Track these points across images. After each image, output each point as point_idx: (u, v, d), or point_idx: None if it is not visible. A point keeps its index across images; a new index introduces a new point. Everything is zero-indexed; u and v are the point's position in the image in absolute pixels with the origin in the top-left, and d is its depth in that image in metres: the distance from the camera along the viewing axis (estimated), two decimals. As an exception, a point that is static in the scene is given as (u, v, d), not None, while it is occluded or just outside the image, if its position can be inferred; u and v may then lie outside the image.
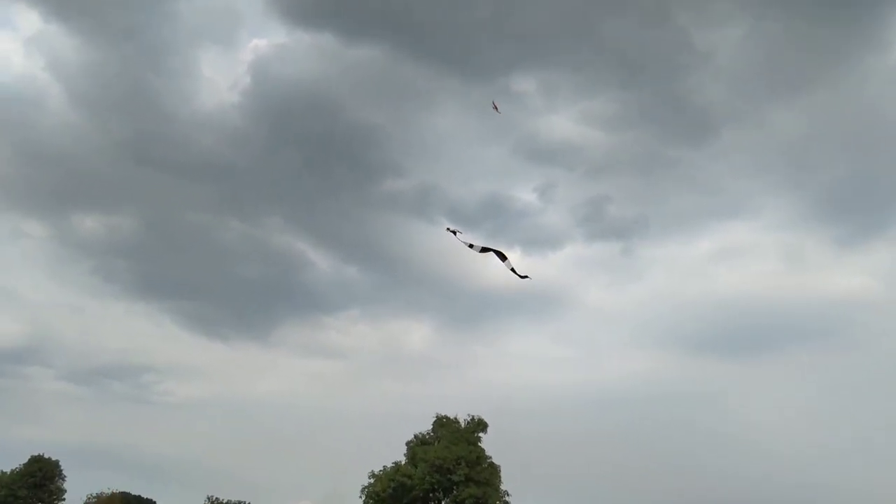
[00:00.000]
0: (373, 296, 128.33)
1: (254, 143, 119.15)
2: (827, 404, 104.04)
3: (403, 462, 59.55)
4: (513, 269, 28.34)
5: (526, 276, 28.55)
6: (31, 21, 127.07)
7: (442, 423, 60.54)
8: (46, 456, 70.33)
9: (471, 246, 28.56)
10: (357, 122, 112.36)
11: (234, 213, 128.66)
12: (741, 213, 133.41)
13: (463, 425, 60.18)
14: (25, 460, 69.31)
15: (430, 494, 57.15)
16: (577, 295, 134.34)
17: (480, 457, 58.29)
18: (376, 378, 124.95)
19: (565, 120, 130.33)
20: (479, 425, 59.84)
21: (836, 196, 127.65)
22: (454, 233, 28.48)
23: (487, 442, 60.11)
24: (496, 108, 41.86)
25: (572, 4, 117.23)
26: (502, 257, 28.30)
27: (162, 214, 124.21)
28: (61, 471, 70.51)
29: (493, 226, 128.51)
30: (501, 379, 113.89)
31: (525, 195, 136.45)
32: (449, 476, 56.05)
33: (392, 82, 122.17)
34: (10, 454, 78.16)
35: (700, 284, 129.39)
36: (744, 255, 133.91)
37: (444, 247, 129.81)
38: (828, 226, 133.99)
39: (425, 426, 61.36)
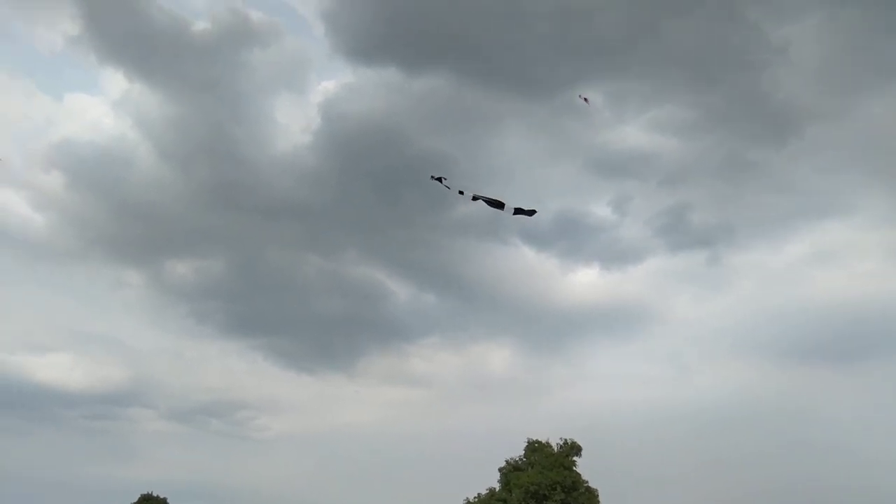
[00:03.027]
0: (452, 321, 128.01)
1: (327, 180, 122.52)
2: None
3: (497, 489, 58.76)
4: (517, 210, 27.50)
5: (533, 211, 27.60)
6: (118, 82, 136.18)
7: (534, 447, 59.39)
8: (155, 494, 73.43)
9: (461, 192, 27.67)
10: (425, 151, 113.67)
11: (313, 248, 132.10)
12: (834, 212, 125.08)
13: (556, 449, 58.89)
14: (135, 499, 72.46)
15: (527, 522, 55.92)
16: (662, 308, 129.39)
17: (577, 481, 56.66)
18: (461, 404, 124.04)
19: (636, 129, 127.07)
20: (573, 449, 58.32)
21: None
22: (440, 180, 27.90)
23: (582, 466, 58.67)
24: (585, 99, 41.46)
25: (634, 10, 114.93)
26: (500, 206, 27.54)
27: (246, 256, 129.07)
28: (170, 508, 73.28)
29: (569, 243, 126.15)
30: (590, 400, 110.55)
31: (599, 210, 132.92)
32: (544, 502, 54.78)
33: (457, 109, 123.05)
34: (121, 494, 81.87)
35: (795, 290, 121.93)
36: (842, 255, 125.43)
37: (519, 267, 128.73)
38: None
39: (516, 451, 60.59)
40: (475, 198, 27.78)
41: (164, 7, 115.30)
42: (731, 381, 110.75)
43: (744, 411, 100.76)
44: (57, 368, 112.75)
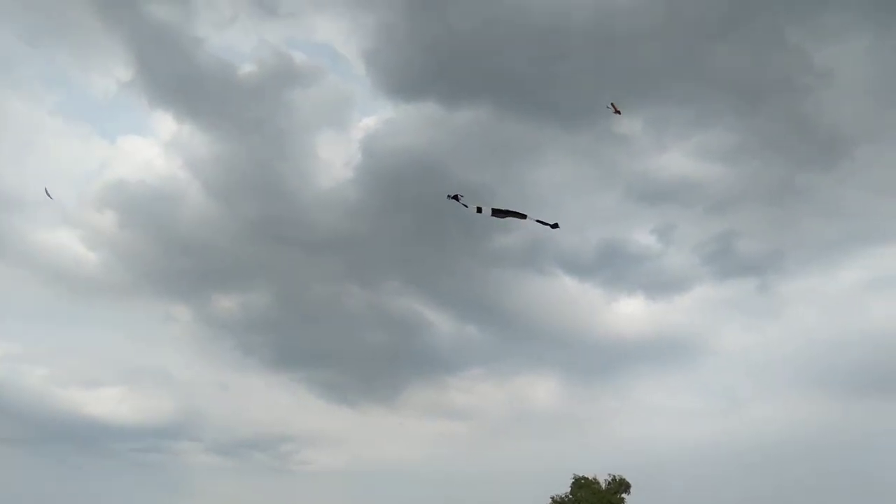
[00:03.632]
0: (494, 353, 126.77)
1: (369, 213, 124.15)
2: None
3: (544, 527, 57.51)
4: (539, 221, 26.75)
5: (555, 225, 26.77)
6: (168, 124, 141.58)
7: (581, 483, 58.01)
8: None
9: (479, 210, 26.91)
10: (465, 183, 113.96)
11: (355, 281, 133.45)
12: (890, 236, 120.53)
13: (603, 486, 57.39)
14: (182, 533, 73.47)
15: (576, 562, 54.37)
16: (711, 338, 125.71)
17: (626, 519, 55.21)
18: (505, 437, 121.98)
19: (679, 156, 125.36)
20: (622, 485, 56.76)
21: None
22: (456, 198, 27.22)
23: (632, 503, 57.03)
24: (613, 106, 39.95)
25: (674, 36, 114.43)
26: (521, 216, 26.80)
27: (290, 289, 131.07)
28: (214, 542, 73.89)
29: (612, 272, 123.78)
30: (638, 434, 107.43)
31: (642, 238, 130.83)
32: (593, 541, 53.33)
33: (496, 140, 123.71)
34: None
35: (851, 318, 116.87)
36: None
37: (561, 298, 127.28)
38: None
39: (562, 487, 59.39)
40: (494, 212, 27.28)
41: (211, 52, 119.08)
42: (786, 414, 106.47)
43: (801, 445, 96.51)
44: (108, 402, 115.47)
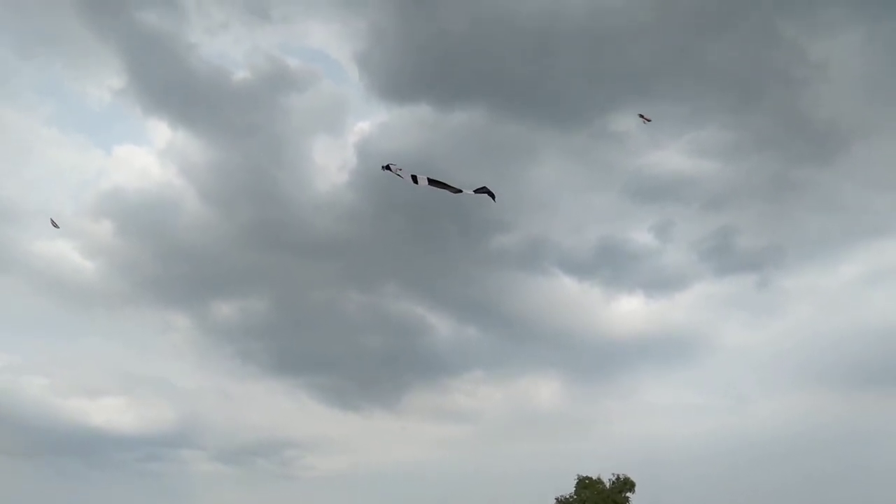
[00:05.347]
0: (495, 355, 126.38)
1: (365, 217, 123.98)
2: None
3: (549, 528, 57.30)
4: (475, 190, 26.36)
5: (487, 191, 26.19)
6: (162, 131, 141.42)
7: (585, 484, 57.80)
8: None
9: (415, 180, 26.20)
10: (461, 185, 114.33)
11: (353, 285, 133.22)
12: (888, 229, 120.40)
13: (608, 485, 57.16)
14: (186, 542, 73.11)
15: (582, 562, 54.13)
16: (712, 335, 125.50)
17: (631, 518, 55.00)
18: (508, 439, 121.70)
19: (674, 153, 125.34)
20: (626, 484, 56.53)
21: None
22: (388, 168, 26.76)
23: (636, 502, 56.84)
24: (644, 118, 39.78)
25: (667, 33, 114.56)
26: (456, 190, 26.44)
27: (289, 294, 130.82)
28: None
29: (611, 272, 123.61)
30: (641, 432, 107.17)
31: (640, 236, 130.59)
32: (599, 541, 53.10)
33: (491, 142, 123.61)
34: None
35: (852, 312, 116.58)
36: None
37: (561, 298, 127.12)
38: None
39: (566, 488, 59.16)
40: (430, 182, 26.81)
41: (204, 58, 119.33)
42: (790, 410, 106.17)
43: (805, 441, 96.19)
44: (110, 412, 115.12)
